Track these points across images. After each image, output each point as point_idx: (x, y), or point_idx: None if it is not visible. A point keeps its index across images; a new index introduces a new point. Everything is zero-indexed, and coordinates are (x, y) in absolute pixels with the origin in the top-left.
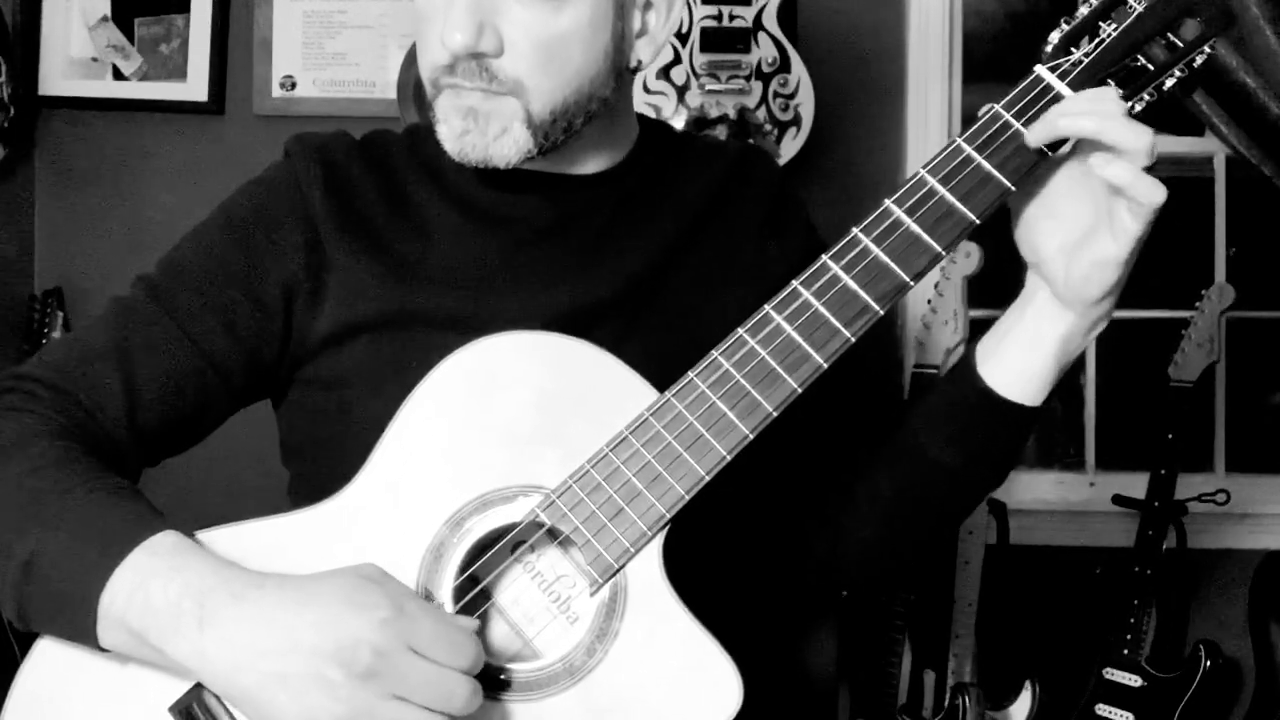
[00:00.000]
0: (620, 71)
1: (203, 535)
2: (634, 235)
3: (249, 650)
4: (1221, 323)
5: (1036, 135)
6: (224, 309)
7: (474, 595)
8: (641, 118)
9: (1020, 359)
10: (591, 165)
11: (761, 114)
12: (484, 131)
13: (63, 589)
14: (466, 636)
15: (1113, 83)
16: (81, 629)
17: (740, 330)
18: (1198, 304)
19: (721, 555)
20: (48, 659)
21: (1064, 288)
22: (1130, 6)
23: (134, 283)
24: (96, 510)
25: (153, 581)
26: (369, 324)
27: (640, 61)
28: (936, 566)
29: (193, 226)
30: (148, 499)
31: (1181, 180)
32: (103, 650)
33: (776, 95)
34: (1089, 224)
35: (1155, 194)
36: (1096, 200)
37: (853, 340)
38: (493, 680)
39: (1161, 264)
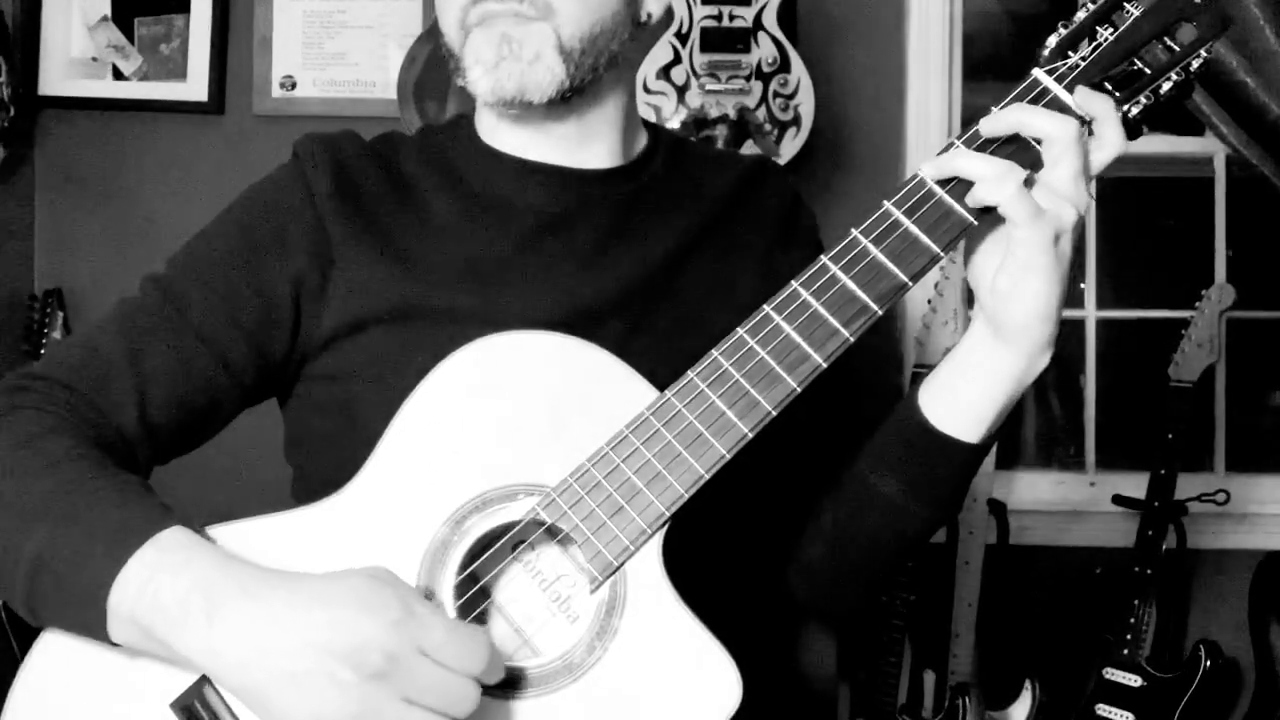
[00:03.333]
0: (635, 21)
1: (207, 531)
2: (643, 234)
3: (258, 647)
4: (1221, 323)
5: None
6: (233, 307)
7: (474, 593)
8: (653, 125)
9: (957, 390)
10: (601, 157)
11: (761, 114)
12: (518, 57)
13: (72, 586)
14: (477, 641)
15: (1110, 86)
16: (92, 625)
17: (740, 330)
18: (1198, 304)
19: (722, 554)
20: (49, 657)
21: (991, 311)
22: (1128, 11)
23: (143, 282)
24: (105, 507)
25: (161, 576)
26: (374, 318)
27: (650, 15)
28: (936, 566)
29: (197, 226)
30: (157, 495)
31: (1181, 180)
32: (114, 644)
33: (776, 95)
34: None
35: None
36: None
37: (852, 340)
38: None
39: (1161, 264)
